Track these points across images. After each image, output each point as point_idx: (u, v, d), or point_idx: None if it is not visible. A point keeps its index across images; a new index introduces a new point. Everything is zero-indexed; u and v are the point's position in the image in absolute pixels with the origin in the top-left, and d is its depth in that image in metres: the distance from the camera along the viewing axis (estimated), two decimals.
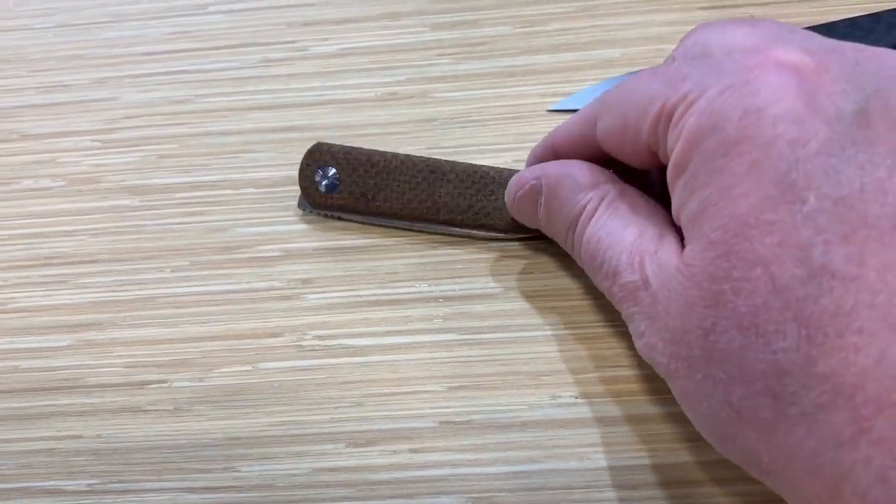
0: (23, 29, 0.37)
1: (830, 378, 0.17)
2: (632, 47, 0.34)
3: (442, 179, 0.30)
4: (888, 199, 0.18)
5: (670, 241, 0.22)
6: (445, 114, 0.33)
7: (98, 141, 0.34)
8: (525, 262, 0.29)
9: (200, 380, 0.28)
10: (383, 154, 0.30)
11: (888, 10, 0.32)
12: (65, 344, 0.29)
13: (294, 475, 0.26)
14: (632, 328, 0.23)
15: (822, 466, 0.18)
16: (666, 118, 0.21)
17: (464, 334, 0.28)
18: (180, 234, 0.31)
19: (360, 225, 0.31)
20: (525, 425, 0.27)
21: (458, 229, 0.30)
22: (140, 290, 0.30)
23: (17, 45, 0.37)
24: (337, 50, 0.35)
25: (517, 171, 0.29)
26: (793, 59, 0.20)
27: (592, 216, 0.25)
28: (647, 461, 0.26)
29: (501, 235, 0.30)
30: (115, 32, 0.37)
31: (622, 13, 0.35)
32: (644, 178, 0.26)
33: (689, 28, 0.34)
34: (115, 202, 0.32)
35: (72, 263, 0.31)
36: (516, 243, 0.30)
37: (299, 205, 0.31)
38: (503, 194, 0.29)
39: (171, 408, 0.28)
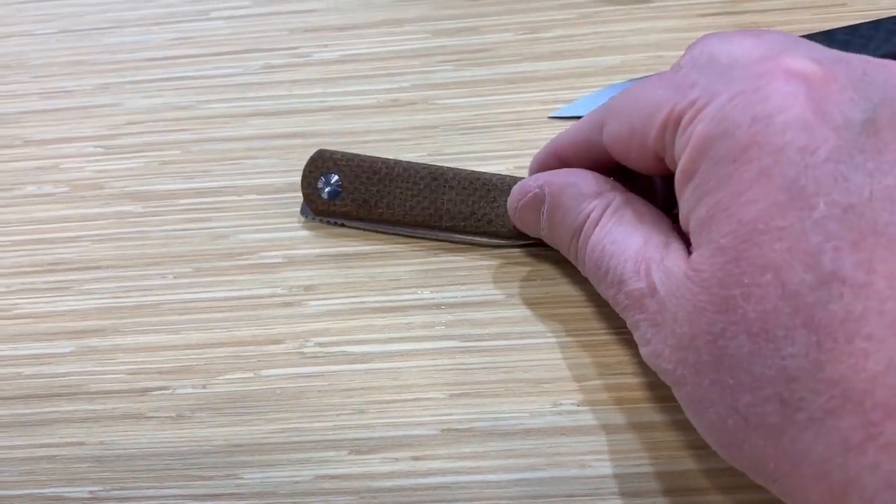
0: (25, 35, 0.38)
1: (839, 383, 0.18)
2: (633, 54, 0.34)
3: (444, 186, 0.30)
4: None
5: (676, 249, 0.22)
6: (447, 120, 0.33)
7: (101, 147, 0.34)
8: (527, 269, 0.30)
9: (203, 387, 0.28)
10: (386, 161, 0.30)
11: (888, 18, 0.32)
12: (68, 350, 0.29)
13: (296, 482, 0.26)
14: (637, 336, 0.23)
15: (830, 472, 0.18)
16: (673, 124, 0.21)
17: (466, 341, 0.28)
18: (183, 240, 0.31)
19: (363, 232, 0.31)
20: (527, 433, 0.27)
21: (460, 236, 0.30)
22: (143, 296, 0.30)
23: (19, 51, 0.37)
24: (339, 56, 0.35)
25: (519, 178, 0.29)
26: (802, 67, 0.20)
27: (596, 225, 0.25)
28: (649, 469, 0.26)
29: (503, 242, 0.30)
30: (117, 38, 0.37)
31: (623, 20, 0.35)
32: (648, 186, 0.27)
33: (689, 35, 0.34)
34: (118, 208, 0.32)
35: (75, 270, 0.31)
36: (518, 250, 0.30)
37: (302, 211, 0.31)
38: (505, 201, 0.29)
39: (173, 415, 0.28)
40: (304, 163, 0.30)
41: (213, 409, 0.28)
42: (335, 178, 0.30)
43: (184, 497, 0.27)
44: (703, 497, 0.25)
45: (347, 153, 0.31)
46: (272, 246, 0.31)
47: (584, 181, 0.26)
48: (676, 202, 0.22)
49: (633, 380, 0.27)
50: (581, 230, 0.25)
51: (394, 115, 0.33)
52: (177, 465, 0.27)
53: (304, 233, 0.31)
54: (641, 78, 0.33)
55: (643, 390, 0.27)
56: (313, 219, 0.31)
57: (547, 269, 0.29)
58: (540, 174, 0.27)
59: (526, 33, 0.35)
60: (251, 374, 0.28)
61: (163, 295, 0.30)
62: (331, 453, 0.27)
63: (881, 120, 0.19)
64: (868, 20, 0.33)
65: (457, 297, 0.29)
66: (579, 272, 0.29)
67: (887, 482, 0.17)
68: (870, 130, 0.19)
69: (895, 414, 0.17)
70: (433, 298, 0.29)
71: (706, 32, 0.33)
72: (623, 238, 0.24)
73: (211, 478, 0.27)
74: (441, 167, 0.30)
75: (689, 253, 0.22)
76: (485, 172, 0.30)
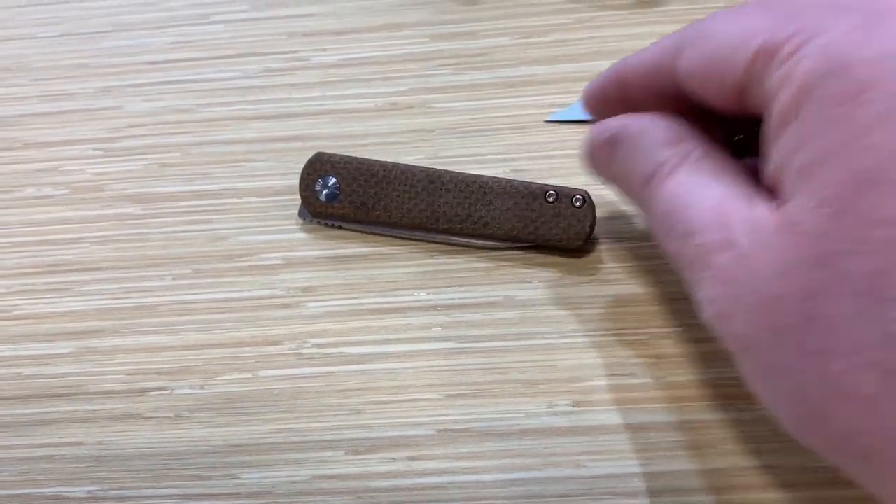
0: (27, 38, 0.38)
1: None
2: None
3: (441, 189, 0.30)
4: None
5: (762, 201, 0.20)
6: (445, 124, 0.33)
7: (101, 149, 0.34)
8: (523, 271, 0.30)
9: (201, 387, 0.28)
10: (383, 164, 0.31)
11: None
12: (67, 351, 0.30)
13: (294, 482, 0.27)
14: (700, 295, 0.21)
15: None
16: (768, 56, 0.19)
17: (462, 343, 0.29)
18: (182, 242, 0.31)
19: (361, 234, 0.31)
20: (523, 433, 0.27)
21: (457, 238, 0.30)
22: (142, 297, 0.30)
23: (20, 54, 0.37)
24: (338, 60, 0.36)
25: (515, 180, 0.30)
26: None
27: (673, 171, 0.23)
28: (642, 469, 0.26)
29: (500, 245, 0.30)
30: (118, 42, 0.37)
31: (619, 25, 0.35)
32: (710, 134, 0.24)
33: None
34: (119, 210, 0.32)
35: (75, 271, 0.31)
36: (514, 252, 0.30)
37: (300, 214, 0.32)
38: (501, 204, 0.29)
39: (171, 415, 0.28)
40: (302, 165, 0.31)
41: (212, 409, 0.28)
42: (333, 180, 0.30)
43: (182, 497, 0.27)
44: (696, 497, 0.25)
45: (345, 156, 0.31)
46: (271, 248, 0.31)
47: (663, 126, 0.23)
48: (746, 153, 0.21)
49: (628, 381, 0.27)
50: (655, 175, 0.23)
51: (392, 119, 0.34)
52: (175, 464, 0.27)
53: (303, 235, 0.31)
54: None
55: (638, 391, 0.27)
56: (311, 221, 0.31)
57: (543, 272, 0.30)
58: (618, 117, 0.25)
59: (523, 38, 0.35)
60: (249, 375, 0.29)
61: (162, 296, 0.30)
62: (328, 453, 0.27)
63: None
64: None
65: (453, 298, 0.29)
66: (576, 275, 0.29)
67: None
68: None
69: None
70: (430, 300, 0.29)
71: None
72: (702, 187, 0.22)
73: (209, 478, 0.27)
74: (438, 170, 0.30)
75: (778, 207, 0.20)
76: (481, 175, 0.30)
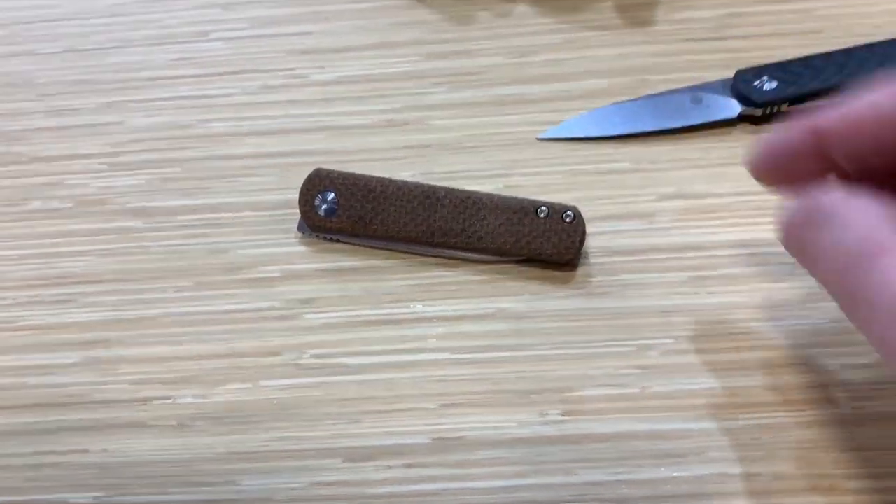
0: (31, 54, 0.39)
1: None
2: (618, 78, 0.35)
3: (436, 205, 0.31)
4: None
5: None
6: (439, 140, 0.34)
7: (105, 164, 0.35)
8: (515, 283, 0.31)
9: (203, 396, 0.29)
10: (380, 180, 0.31)
11: (860, 46, 0.34)
12: (72, 361, 0.30)
13: (293, 489, 0.28)
14: None
15: None
16: None
17: (456, 353, 0.29)
18: (184, 255, 0.32)
19: (358, 247, 0.32)
20: (515, 442, 0.28)
21: (451, 252, 0.31)
22: (146, 309, 0.31)
23: (25, 70, 0.38)
24: (335, 77, 0.37)
25: (508, 196, 0.31)
26: None
27: None
28: (630, 476, 0.27)
29: (493, 258, 0.31)
30: (120, 58, 0.38)
31: (609, 45, 0.36)
32: None
33: (672, 60, 0.36)
34: (122, 224, 0.33)
35: (80, 283, 0.32)
36: (507, 266, 0.31)
37: (299, 227, 0.32)
38: (494, 219, 0.30)
39: (174, 423, 0.29)
40: (301, 180, 0.32)
41: (213, 418, 0.29)
42: (332, 195, 0.31)
43: (184, 503, 0.28)
44: (682, 503, 0.26)
45: (343, 172, 0.32)
46: (270, 261, 0.32)
47: (882, 201, 0.21)
48: None
49: (616, 391, 0.28)
50: (880, 255, 0.20)
51: (388, 135, 0.35)
52: (178, 471, 0.28)
53: (301, 248, 0.32)
54: (626, 101, 0.34)
55: (626, 401, 0.28)
56: (310, 235, 0.32)
57: (534, 285, 0.31)
58: (819, 191, 0.22)
59: (515, 57, 0.36)
60: (250, 385, 0.29)
61: (164, 308, 0.31)
62: (326, 461, 0.28)
63: None
64: (842, 48, 0.34)
65: (448, 310, 0.30)
66: (566, 288, 0.30)
67: None
68: None
69: None
70: (425, 312, 0.30)
71: (691, 57, 0.35)
72: None
73: (211, 484, 0.28)
74: (433, 186, 0.31)
75: None
76: (475, 191, 0.31)
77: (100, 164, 0.35)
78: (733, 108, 0.34)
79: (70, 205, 0.34)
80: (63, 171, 0.35)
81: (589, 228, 0.31)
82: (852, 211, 0.21)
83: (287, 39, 0.38)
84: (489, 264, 0.31)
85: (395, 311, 0.31)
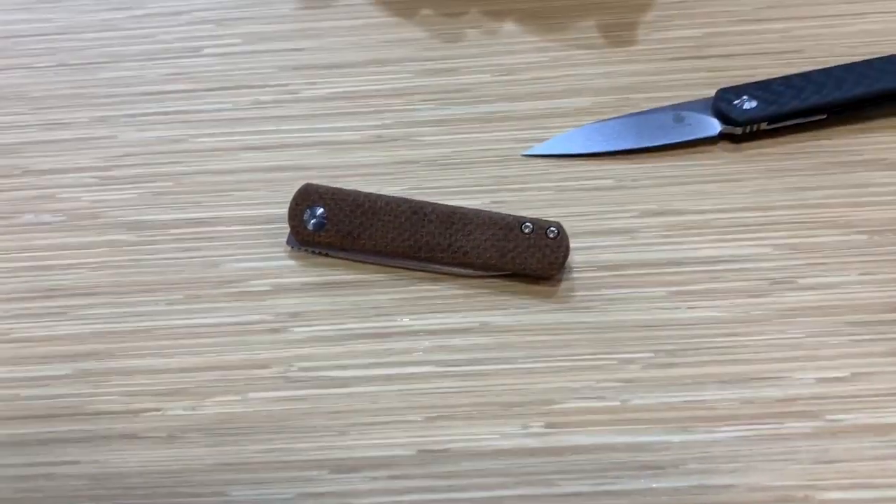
0: (24, 68, 0.39)
1: None
2: (602, 96, 0.36)
3: (424, 220, 0.32)
4: None
5: None
6: (428, 156, 0.35)
7: (97, 177, 0.35)
8: (500, 298, 0.31)
9: (193, 409, 0.30)
10: (368, 195, 0.32)
11: (839, 66, 0.35)
12: (64, 373, 0.31)
13: (281, 500, 0.28)
14: None
15: None
16: None
17: (442, 366, 0.30)
18: (175, 268, 0.33)
19: (346, 261, 0.33)
20: (498, 453, 0.28)
21: (438, 266, 0.32)
22: (137, 321, 0.32)
23: (18, 84, 0.39)
24: (326, 94, 0.37)
25: (493, 212, 0.31)
26: None
27: None
28: (611, 487, 0.27)
29: (479, 273, 0.32)
30: (113, 73, 0.39)
31: (593, 63, 0.37)
32: None
33: (656, 78, 0.36)
34: (114, 237, 0.34)
35: (72, 296, 0.32)
36: (492, 280, 0.32)
37: (288, 242, 0.33)
38: (480, 234, 0.31)
39: (165, 435, 0.29)
40: (291, 195, 0.32)
41: (203, 429, 0.29)
42: (321, 210, 0.32)
43: None
44: None
45: (332, 187, 0.32)
46: (260, 274, 0.32)
47: None
48: None
49: (598, 404, 0.29)
50: None
51: (377, 151, 0.35)
52: (168, 482, 0.29)
53: (291, 262, 0.33)
54: (609, 119, 0.35)
55: (606, 413, 0.29)
56: (299, 249, 0.33)
57: (519, 299, 0.31)
58: None
59: (502, 75, 0.37)
60: (239, 397, 0.30)
61: (156, 321, 0.32)
62: (314, 472, 0.28)
63: None
64: (821, 67, 0.35)
65: (434, 324, 0.31)
66: (550, 302, 0.31)
67: None
68: None
69: None
70: (412, 325, 0.31)
71: (673, 76, 0.36)
72: None
73: (200, 495, 0.28)
74: (421, 202, 0.32)
75: None
76: (461, 207, 0.32)
77: (92, 177, 0.35)
78: (714, 126, 0.34)
79: (62, 218, 0.34)
80: (55, 184, 0.35)
81: (572, 244, 0.31)
82: None
83: (279, 55, 0.39)
84: (475, 279, 0.32)
85: (382, 324, 0.31)
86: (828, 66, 0.35)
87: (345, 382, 0.30)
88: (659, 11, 0.39)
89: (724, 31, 0.38)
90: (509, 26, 0.39)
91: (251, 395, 0.30)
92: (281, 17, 0.40)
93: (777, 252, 0.32)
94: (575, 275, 0.32)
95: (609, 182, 0.34)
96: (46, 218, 0.35)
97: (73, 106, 0.38)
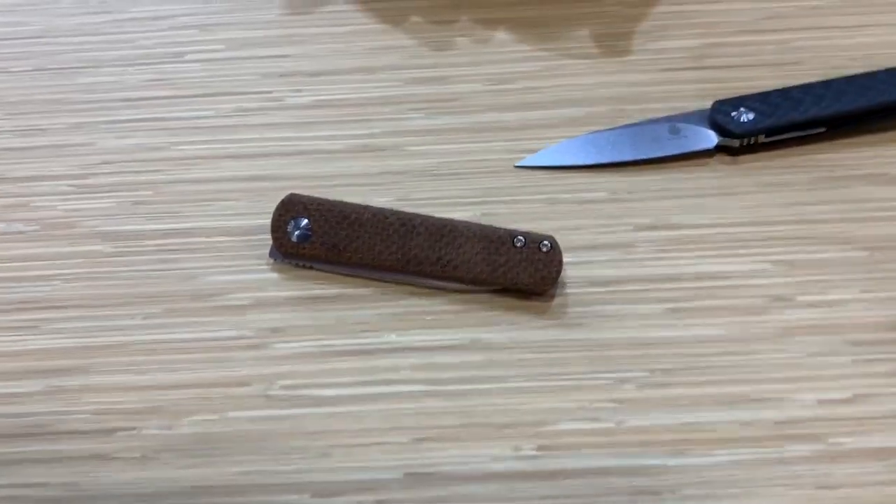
0: (0, 72, 0.38)
1: None
2: (595, 107, 0.35)
3: (412, 232, 0.31)
4: None
5: None
6: (416, 167, 0.34)
7: (73, 186, 0.34)
8: (490, 314, 0.30)
9: (169, 428, 0.28)
10: (355, 206, 0.31)
11: (838, 79, 0.34)
12: (35, 390, 0.29)
13: None
14: None
15: None
16: None
17: (430, 385, 0.29)
18: (153, 280, 0.32)
19: (331, 275, 0.31)
20: (488, 477, 0.27)
21: (427, 281, 0.31)
22: (112, 336, 0.30)
23: None
24: (311, 101, 0.36)
25: (484, 225, 0.30)
26: None
27: None
28: None
29: (469, 287, 0.31)
30: (92, 78, 0.38)
31: (586, 73, 0.36)
32: None
33: (650, 89, 0.36)
34: (89, 248, 0.33)
35: (44, 308, 0.31)
36: (482, 295, 0.31)
37: (271, 254, 0.32)
38: (471, 248, 0.30)
39: (138, 455, 0.28)
40: (274, 205, 0.31)
41: (179, 450, 0.28)
42: (305, 221, 0.31)
43: None
44: None
45: (318, 198, 0.31)
46: (241, 288, 0.31)
47: None
48: None
49: (591, 425, 0.28)
50: None
51: (364, 160, 0.34)
52: None
53: (273, 275, 0.32)
54: (603, 130, 0.34)
55: (600, 436, 0.28)
56: (282, 261, 0.32)
57: (510, 315, 0.30)
58: None
59: (493, 84, 0.36)
60: (217, 416, 0.29)
61: (131, 335, 0.30)
62: (294, 496, 0.27)
63: None
64: (820, 79, 0.34)
65: (422, 340, 0.30)
66: (542, 318, 0.30)
67: None
68: None
69: None
70: (399, 342, 0.30)
71: (668, 87, 0.35)
72: None
73: None
74: (409, 213, 0.31)
75: None
76: (451, 219, 0.31)
77: (68, 185, 0.34)
78: (710, 138, 0.33)
79: (35, 227, 0.33)
80: (29, 192, 0.34)
81: (565, 258, 0.30)
82: None
83: (264, 62, 0.38)
84: (464, 293, 0.31)
85: (368, 340, 0.30)
86: (826, 78, 0.34)
87: (328, 401, 0.29)
88: (654, 21, 0.38)
89: (722, 42, 0.37)
90: (501, 35, 0.38)
91: (230, 413, 0.29)
92: (266, 22, 0.39)
93: (775, 268, 0.31)
94: (568, 290, 0.31)
95: (603, 195, 0.33)
96: (19, 227, 0.33)
97: (50, 112, 0.37)
